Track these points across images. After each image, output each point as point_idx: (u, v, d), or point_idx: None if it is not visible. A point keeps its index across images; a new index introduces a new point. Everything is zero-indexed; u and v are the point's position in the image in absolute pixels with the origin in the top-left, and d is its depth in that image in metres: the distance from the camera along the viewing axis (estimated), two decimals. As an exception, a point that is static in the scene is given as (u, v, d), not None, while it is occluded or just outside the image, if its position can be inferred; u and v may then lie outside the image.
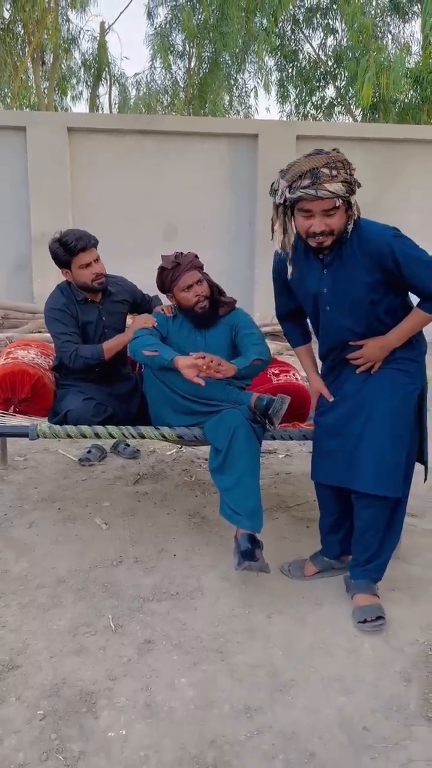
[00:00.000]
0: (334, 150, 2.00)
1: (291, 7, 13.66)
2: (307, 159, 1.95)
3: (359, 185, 2.01)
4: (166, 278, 2.62)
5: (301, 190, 1.93)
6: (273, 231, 2.09)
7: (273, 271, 2.31)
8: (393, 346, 2.11)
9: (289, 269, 2.15)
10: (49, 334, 3.02)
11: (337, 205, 1.95)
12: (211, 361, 2.34)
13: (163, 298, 2.91)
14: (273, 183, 2.03)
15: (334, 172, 1.92)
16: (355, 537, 2.25)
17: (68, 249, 2.74)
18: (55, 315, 2.82)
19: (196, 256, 2.66)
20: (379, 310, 2.10)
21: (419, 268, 2.01)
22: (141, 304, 3.13)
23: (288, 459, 3.76)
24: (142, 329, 2.62)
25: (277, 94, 15.58)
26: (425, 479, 2.27)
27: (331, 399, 2.26)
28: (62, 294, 2.88)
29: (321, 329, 2.25)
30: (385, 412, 2.08)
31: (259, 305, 8.42)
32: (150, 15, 14.60)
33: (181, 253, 2.66)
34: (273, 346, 7.68)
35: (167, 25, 14.37)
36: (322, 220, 1.97)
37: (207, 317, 2.65)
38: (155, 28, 14.51)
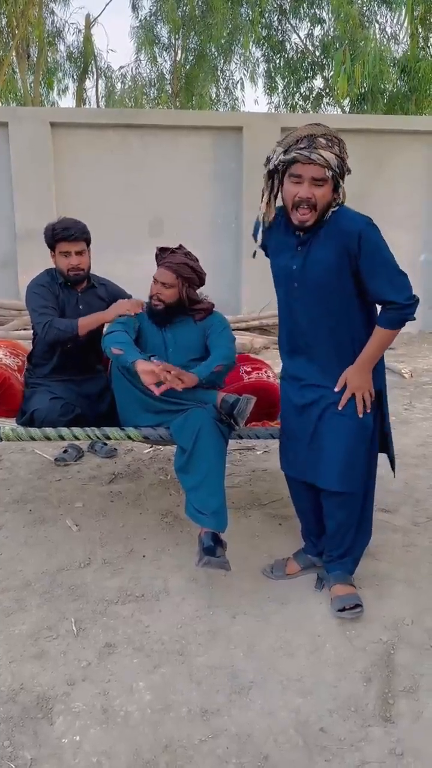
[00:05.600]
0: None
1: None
2: (307, 127, 1.97)
3: (349, 171, 2.02)
4: (156, 259, 2.68)
5: (297, 152, 1.93)
6: (261, 200, 2.12)
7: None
8: (367, 366, 2.09)
9: (259, 237, 2.19)
10: (24, 332, 3.01)
11: (327, 175, 1.95)
12: (170, 372, 2.32)
13: None
14: (268, 155, 2.04)
15: (331, 144, 1.95)
16: (328, 534, 2.25)
17: (53, 234, 2.85)
18: (37, 290, 2.88)
19: (195, 270, 2.61)
20: (344, 298, 2.06)
21: (378, 266, 1.98)
22: None
23: (265, 455, 3.75)
24: (118, 323, 2.62)
25: (264, 86, 15.50)
26: (394, 474, 2.26)
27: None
28: (47, 274, 2.98)
29: (287, 308, 2.20)
30: (344, 410, 2.08)
31: (246, 299, 8.39)
32: (134, 7, 14.50)
33: (183, 253, 2.65)
34: (260, 340, 7.67)
35: (152, 17, 14.27)
36: (310, 188, 1.96)
37: (158, 316, 2.67)
38: (140, 20, 14.42)
